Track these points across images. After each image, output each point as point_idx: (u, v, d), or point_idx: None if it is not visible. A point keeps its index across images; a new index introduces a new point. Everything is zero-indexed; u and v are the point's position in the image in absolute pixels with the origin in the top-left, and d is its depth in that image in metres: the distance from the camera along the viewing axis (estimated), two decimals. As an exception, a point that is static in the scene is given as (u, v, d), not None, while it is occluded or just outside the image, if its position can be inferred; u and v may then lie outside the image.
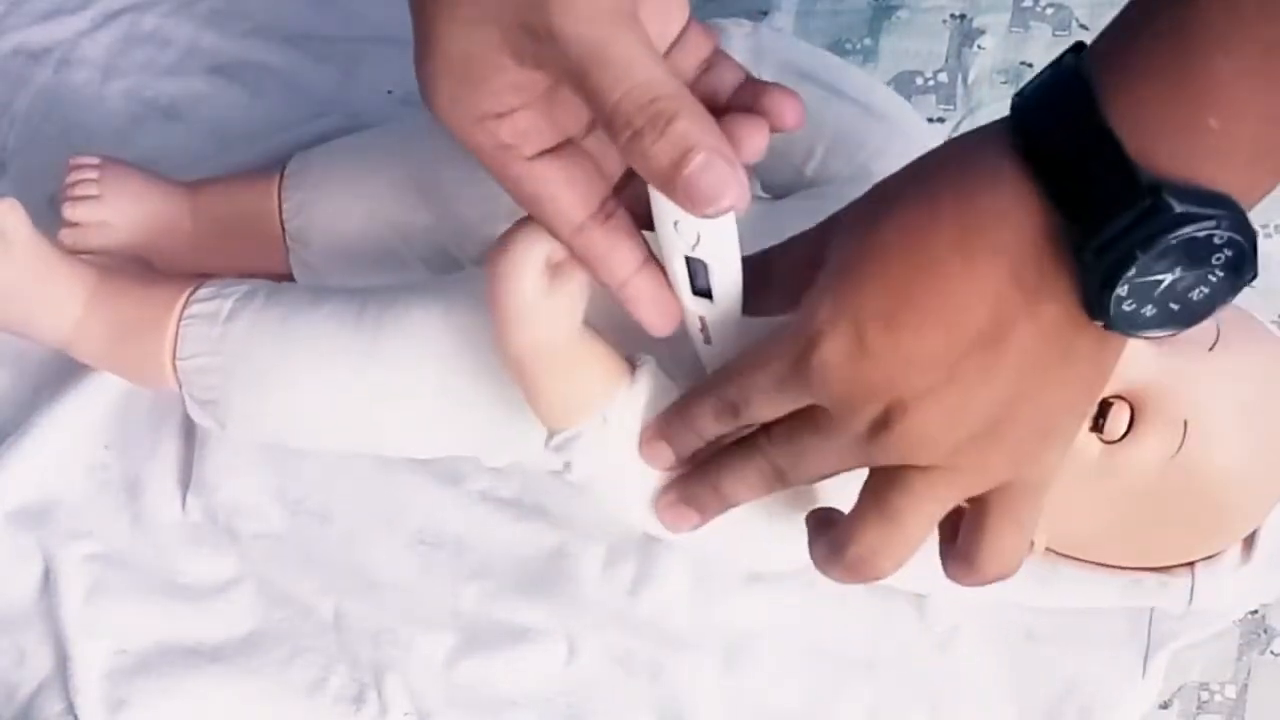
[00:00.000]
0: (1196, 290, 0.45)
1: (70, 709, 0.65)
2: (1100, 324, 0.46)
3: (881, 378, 0.47)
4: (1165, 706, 0.66)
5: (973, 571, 0.53)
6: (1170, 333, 0.46)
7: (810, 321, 0.48)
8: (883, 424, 0.48)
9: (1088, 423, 0.58)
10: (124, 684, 0.65)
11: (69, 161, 0.70)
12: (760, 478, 0.53)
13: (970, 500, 0.52)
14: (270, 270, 0.70)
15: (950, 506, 0.51)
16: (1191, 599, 0.62)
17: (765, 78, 0.63)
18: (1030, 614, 0.67)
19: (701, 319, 0.54)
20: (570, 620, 0.67)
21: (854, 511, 0.52)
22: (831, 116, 0.64)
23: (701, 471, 0.55)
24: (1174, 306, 0.45)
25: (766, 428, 0.52)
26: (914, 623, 0.67)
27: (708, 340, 0.55)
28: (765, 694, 0.66)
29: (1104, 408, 0.58)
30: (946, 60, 0.81)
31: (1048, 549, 0.62)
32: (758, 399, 0.51)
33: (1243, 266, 0.45)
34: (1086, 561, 0.63)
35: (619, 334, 0.57)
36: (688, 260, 0.51)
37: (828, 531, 0.54)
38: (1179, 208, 0.43)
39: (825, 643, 0.67)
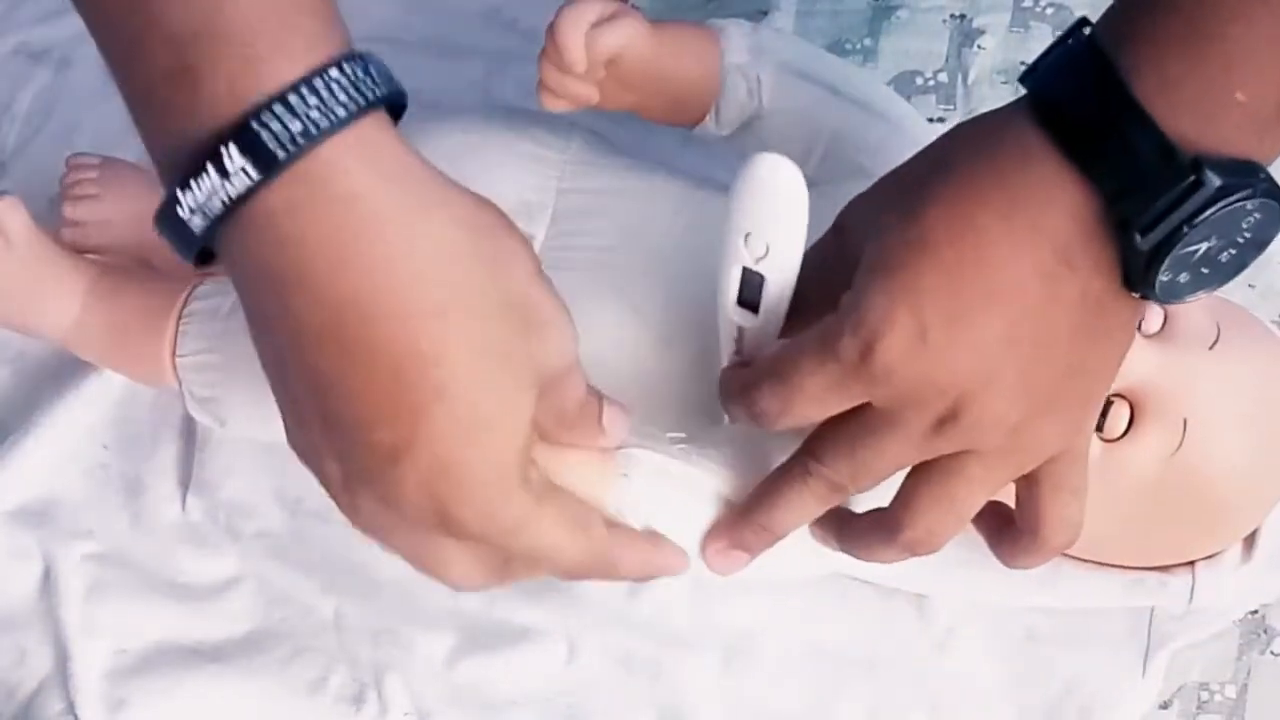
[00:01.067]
0: (1225, 253, 0.46)
1: (70, 709, 0.65)
2: (1140, 294, 0.47)
3: (946, 372, 0.47)
4: (1165, 706, 0.66)
5: (1040, 546, 0.53)
6: (1203, 295, 0.47)
7: (865, 321, 0.47)
8: (950, 417, 0.48)
9: None
10: (124, 684, 0.65)
11: (68, 160, 0.70)
12: (816, 500, 0.52)
13: (1018, 480, 0.52)
14: None
15: (1004, 485, 0.51)
16: (1192, 598, 0.63)
17: (764, 77, 0.64)
18: (1030, 614, 0.67)
19: (741, 330, 0.53)
20: (570, 620, 0.67)
21: (907, 497, 0.51)
22: (831, 117, 0.64)
23: (749, 513, 0.54)
24: (1205, 271, 0.46)
25: (812, 449, 0.51)
26: (914, 622, 0.67)
27: (739, 353, 0.54)
28: (765, 694, 0.67)
29: (1104, 406, 0.58)
30: (946, 60, 0.81)
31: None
32: (803, 405, 0.49)
33: (1271, 226, 0.46)
34: (1087, 561, 0.63)
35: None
36: (744, 271, 0.51)
37: (860, 520, 0.54)
38: (1219, 181, 0.43)
39: (825, 643, 0.67)
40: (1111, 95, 0.44)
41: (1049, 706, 0.66)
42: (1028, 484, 0.52)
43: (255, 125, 0.41)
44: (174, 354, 0.65)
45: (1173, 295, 0.47)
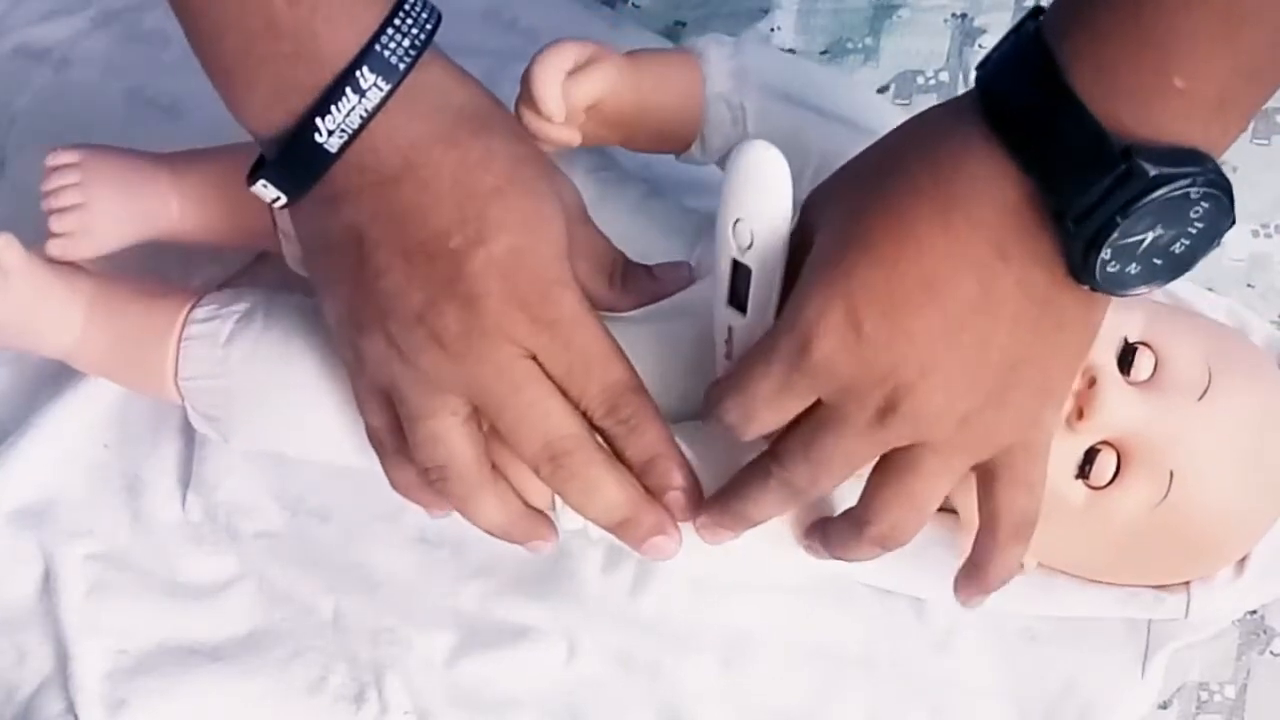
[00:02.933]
0: (1178, 244, 0.46)
1: (70, 709, 0.65)
2: (1086, 286, 0.47)
3: (883, 361, 0.47)
4: (1165, 706, 0.66)
5: (993, 540, 0.53)
6: (1157, 286, 0.47)
7: (802, 317, 0.48)
8: (890, 407, 0.48)
9: (1074, 469, 0.58)
10: (124, 684, 0.65)
11: (46, 163, 0.67)
12: (778, 500, 0.53)
13: (977, 471, 0.52)
14: (267, 244, 0.69)
15: (961, 476, 0.51)
16: (1187, 614, 0.63)
17: (747, 103, 0.63)
18: (1029, 614, 0.67)
19: (730, 330, 0.54)
20: (570, 620, 0.67)
21: (870, 495, 0.52)
22: (818, 139, 0.63)
23: (724, 499, 0.55)
24: (1157, 262, 0.46)
25: (774, 450, 0.52)
26: (913, 622, 0.67)
27: (729, 355, 0.55)
28: (765, 694, 0.66)
29: (1090, 455, 0.58)
30: (948, 59, 0.81)
31: (1041, 564, 0.62)
32: (762, 411, 0.50)
33: (1221, 216, 0.45)
34: (1082, 577, 0.63)
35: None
36: (734, 264, 0.51)
37: (835, 521, 0.54)
38: (1153, 170, 0.43)
39: (824, 642, 0.67)
40: (1049, 84, 0.44)
41: (1048, 707, 0.66)
42: (984, 479, 0.52)
43: (379, 48, 0.50)
44: (176, 375, 0.65)
45: (1120, 286, 0.47)
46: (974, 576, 0.54)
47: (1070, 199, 0.45)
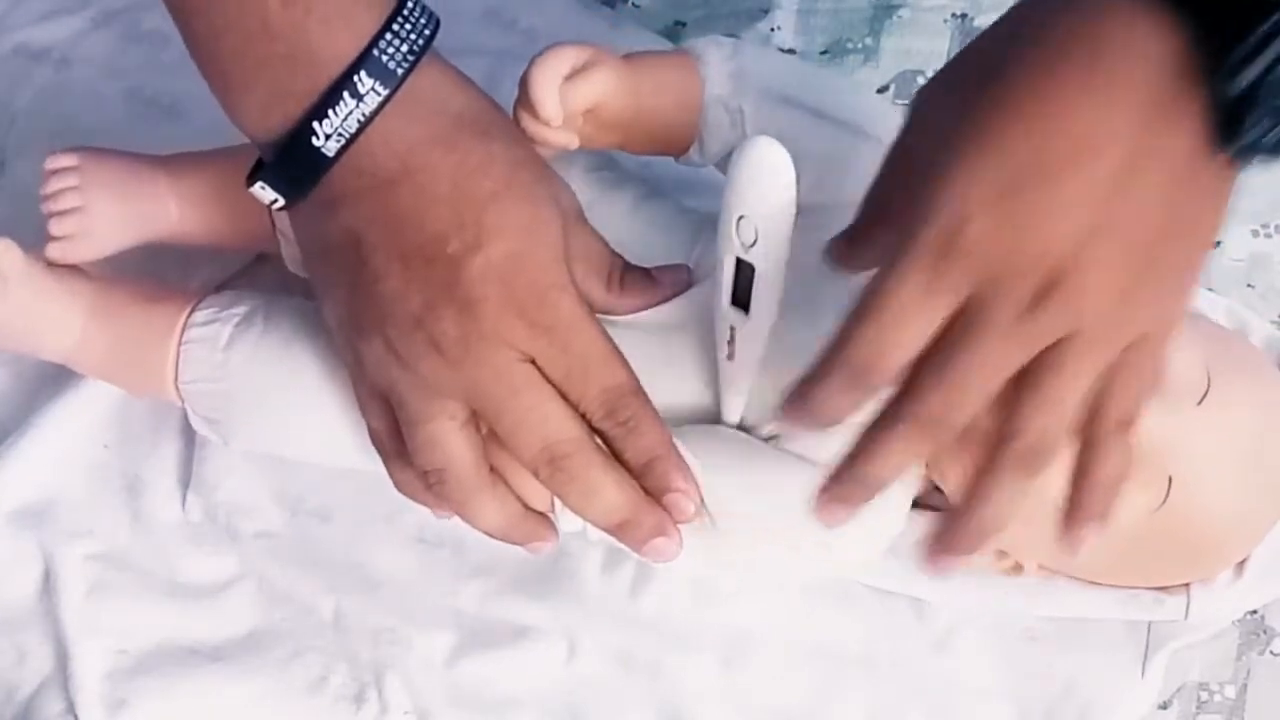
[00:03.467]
0: None
1: (70, 709, 0.65)
2: (1227, 153, 0.44)
3: (1035, 240, 0.44)
4: (1165, 707, 0.66)
5: (1100, 431, 0.48)
6: None
7: (946, 198, 0.45)
8: (1045, 291, 0.45)
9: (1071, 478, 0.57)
10: (124, 684, 0.65)
11: (45, 166, 0.67)
12: (908, 445, 0.47)
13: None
14: (266, 246, 0.69)
15: (1099, 372, 0.47)
16: (1187, 615, 0.63)
17: (745, 107, 0.63)
18: (1029, 614, 0.67)
19: (731, 330, 0.53)
20: (570, 620, 0.67)
21: (1014, 407, 0.47)
22: (817, 143, 0.62)
23: (843, 469, 0.49)
24: None
25: (901, 391, 0.47)
26: (912, 622, 0.67)
27: (730, 355, 0.55)
28: (764, 693, 0.67)
29: None
30: (948, 59, 0.81)
31: (1041, 566, 0.62)
32: (905, 321, 0.45)
33: None
34: (1082, 580, 0.63)
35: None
36: (737, 263, 0.51)
37: (970, 487, 0.49)
38: None
39: (824, 642, 0.67)
40: None
41: (1048, 707, 0.66)
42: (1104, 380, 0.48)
43: (377, 52, 0.50)
44: (176, 378, 0.65)
45: (1263, 152, 0.44)
46: (1081, 490, 0.50)
47: (1227, 47, 0.42)
